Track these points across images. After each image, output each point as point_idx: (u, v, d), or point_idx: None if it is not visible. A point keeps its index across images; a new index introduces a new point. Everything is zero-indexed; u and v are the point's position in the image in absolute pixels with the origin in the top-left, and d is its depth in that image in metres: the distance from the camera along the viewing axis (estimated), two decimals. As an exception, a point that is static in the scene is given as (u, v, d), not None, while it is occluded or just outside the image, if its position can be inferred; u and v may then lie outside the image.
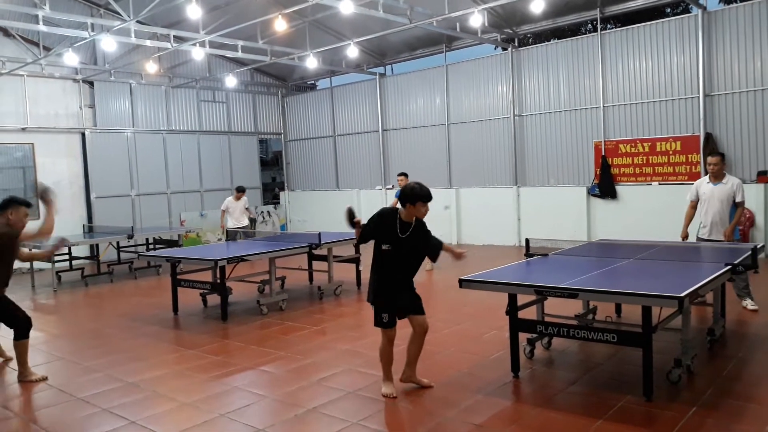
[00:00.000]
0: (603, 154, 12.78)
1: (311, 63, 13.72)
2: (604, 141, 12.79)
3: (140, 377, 5.73)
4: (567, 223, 13.05)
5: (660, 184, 12.16)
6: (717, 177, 7.18)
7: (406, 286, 4.91)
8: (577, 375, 5.24)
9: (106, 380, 5.68)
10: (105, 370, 5.97)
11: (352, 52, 13.02)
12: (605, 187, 12.72)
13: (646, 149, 12.28)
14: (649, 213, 12.05)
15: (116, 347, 6.92)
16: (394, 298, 4.85)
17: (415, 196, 4.78)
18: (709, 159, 7.29)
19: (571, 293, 4.49)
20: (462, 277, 5.16)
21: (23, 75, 13.48)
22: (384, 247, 4.85)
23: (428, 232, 5.00)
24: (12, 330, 5.80)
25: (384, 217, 4.94)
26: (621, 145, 12.60)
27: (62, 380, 5.74)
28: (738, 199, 7.05)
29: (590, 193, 12.99)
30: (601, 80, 12.76)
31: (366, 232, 4.97)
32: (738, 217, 7.13)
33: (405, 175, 11.53)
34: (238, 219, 12.41)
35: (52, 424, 4.69)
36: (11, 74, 13.19)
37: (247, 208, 12.54)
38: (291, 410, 4.78)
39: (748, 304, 7.18)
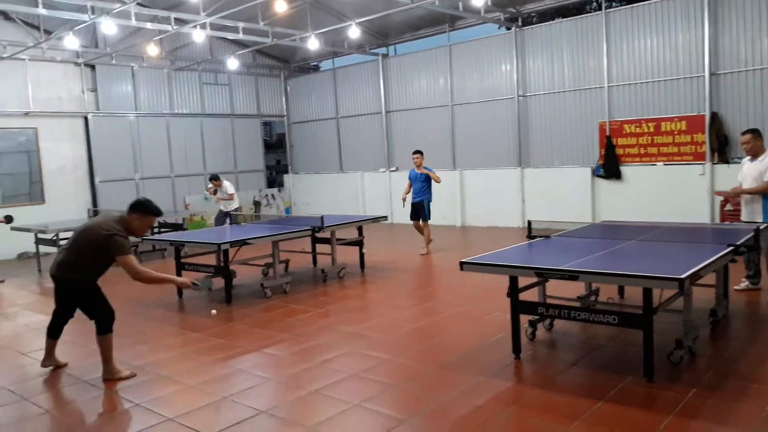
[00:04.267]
0: (608, 134, 12.69)
1: (313, 44, 13.62)
2: (609, 121, 12.70)
3: (145, 360, 5.78)
4: (571, 204, 13.00)
5: (665, 165, 12.08)
6: (755, 155, 6.78)
7: None
8: (578, 356, 5.26)
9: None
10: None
11: (354, 32, 12.91)
12: (610, 167, 12.65)
13: (651, 129, 12.18)
14: (654, 194, 12.00)
15: (122, 330, 6.92)
16: None
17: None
18: (741, 138, 6.96)
19: (572, 275, 4.49)
20: (463, 260, 5.17)
21: (25, 59, 13.42)
22: None
23: None
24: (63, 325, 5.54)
25: None
26: (626, 126, 12.50)
27: (69, 363, 5.79)
28: (765, 178, 6.56)
29: (595, 173, 12.92)
30: (605, 59, 12.62)
31: None
32: (763, 188, 6.53)
33: (420, 153, 11.28)
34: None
35: (56, 406, 4.75)
36: (13, 58, 13.14)
37: (231, 193, 12.64)
38: (294, 392, 4.83)
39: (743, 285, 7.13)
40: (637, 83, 12.33)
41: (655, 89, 12.12)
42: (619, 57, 12.52)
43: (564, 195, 13.19)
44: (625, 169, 12.57)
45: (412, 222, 11.30)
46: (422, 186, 11.05)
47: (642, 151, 12.37)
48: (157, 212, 5.37)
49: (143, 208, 5.29)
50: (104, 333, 5.28)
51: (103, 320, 5.30)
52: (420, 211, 11.05)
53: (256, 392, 4.87)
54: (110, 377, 5.26)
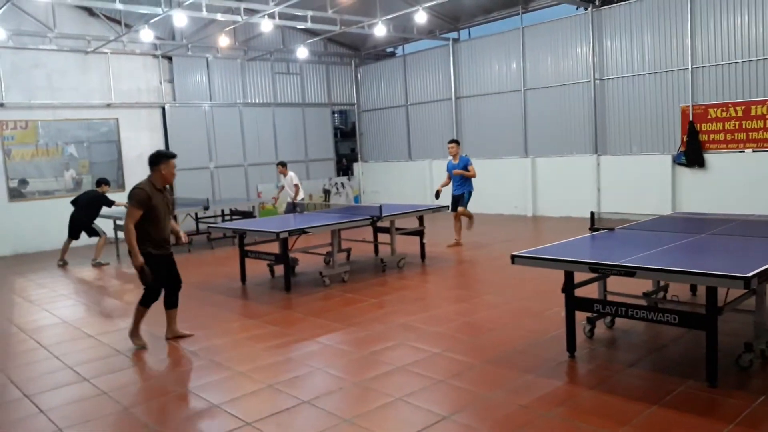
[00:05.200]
0: (690, 119, 11.92)
1: (380, 30, 13.50)
2: (692, 105, 11.91)
3: (200, 345, 5.92)
4: (650, 194, 12.33)
5: (754, 152, 11.22)
6: None
7: None
8: (637, 356, 4.95)
9: (169, 348, 5.90)
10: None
11: (421, 17, 12.67)
12: (692, 155, 11.89)
13: (740, 113, 11.33)
14: (742, 183, 11.19)
15: (183, 315, 7.12)
16: None
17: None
18: None
19: (628, 271, 4.20)
20: (514, 253, 4.96)
21: (107, 53, 14.07)
22: None
23: None
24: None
25: None
26: (711, 110, 11.69)
27: (129, 347, 6.01)
28: None
29: (676, 161, 12.18)
30: (689, 39, 11.83)
31: None
32: None
33: (456, 142, 10.94)
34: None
35: (111, 389, 4.92)
36: (96, 52, 13.82)
37: (296, 184, 12.63)
38: (338, 383, 4.79)
39: None
40: (724, 64, 11.49)
41: (745, 70, 11.26)
42: (705, 36, 11.70)
43: (642, 184, 12.53)
44: (709, 157, 11.78)
45: (453, 213, 10.89)
46: (460, 178, 10.63)
47: (729, 137, 11.54)
48: (173, 154, 5.95)
49: (163, 156, 5.84)
50: (140, 304, 5.92)
51: (144, 292, 5.88)
52: (459, 202, 10.66)
53: (302, 382, 4.87)
54: (131, 338, 5.94)
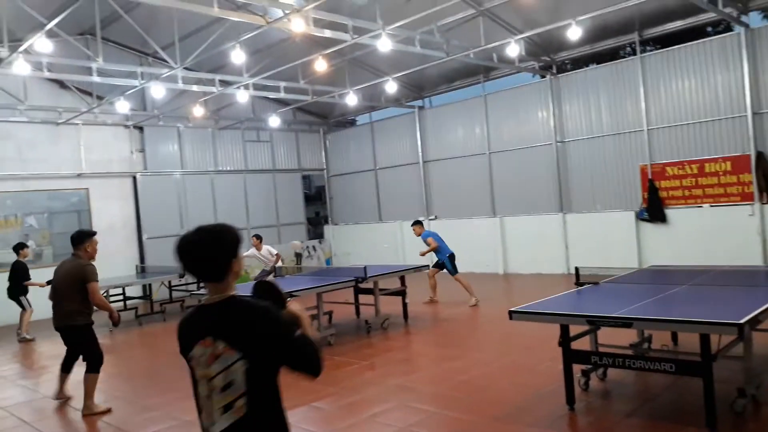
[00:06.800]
0: (650, 177, 12.55)
1: (351, 100, 13.97)
2: (651, 164, 12.56)
3: (196, 415, 5.80)
4: (616, 249, 12.78)
5: (711, 206, 11.84)
6: None
7: None
8: (634, 406, 5.10)
9: (164, 418, 5.79)
10: (162, 409, 6.09)
11: (391, 87, 13.20)
12: (654, 211, 12.45)
13: (695, 171, 12.00)
14: (701, 236, 11.73)
15: (172, 386, 7.04)
16: None
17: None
18: None
19: (625, 322, 4.40)
20: (512, 309, 5.12)
21: (78, 123, 14.11)
22: None
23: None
24: (84, 363, 6.26)
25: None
26: (668, 168, 12.35)
27: (121, 419, 5.88)
28: None
29: (639, 217, 12.72)
30: (643, 103, 12.59)
31: None
32: None
33: (418, 223, 11.49)
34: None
35: (112, 464, 4.79)
36: (68, 123, 13.83)
37: (276, 254, 12.58)
38: (344, 447, 4.78)
39: None
40: (677, 125, 12.23)
41: (697, 130, 11.99)
42: (657, 100, 12.48)
43: (608, 240, 12.99)
44: (670, 212, 12.35)
45: (428, 271, 11.26)
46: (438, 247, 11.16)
47: (686, 193, 12.16)
48: (94, 232, 6.45)
49: (87, 235, 6.29)
50: (91, 372, 6.14)
51: (92, 361, 6.16)
52: (444, 268, 11.06)
53: (307, 447, 4.84)
54: (88, 413, 6.06)
